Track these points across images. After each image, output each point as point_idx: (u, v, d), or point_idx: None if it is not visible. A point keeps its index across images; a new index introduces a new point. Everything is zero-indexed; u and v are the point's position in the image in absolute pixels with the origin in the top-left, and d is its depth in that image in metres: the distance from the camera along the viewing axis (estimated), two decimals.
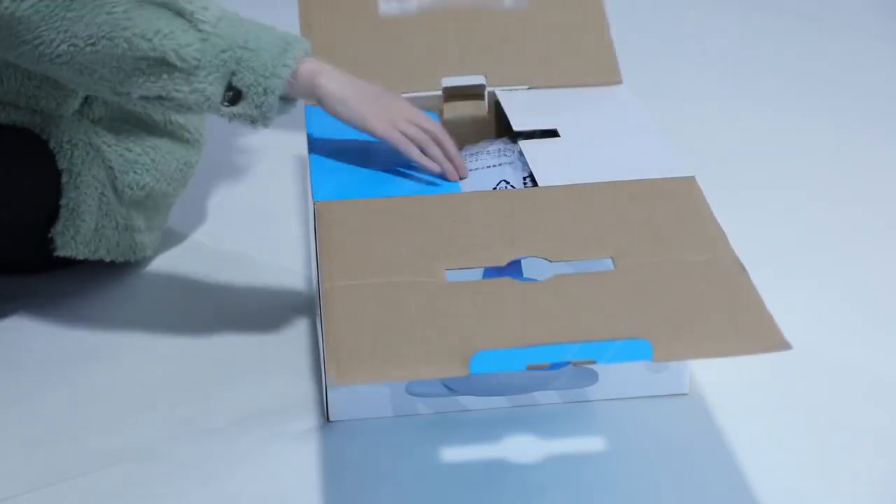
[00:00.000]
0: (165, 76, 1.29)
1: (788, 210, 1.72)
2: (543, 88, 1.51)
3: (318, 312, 1.30)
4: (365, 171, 1.36)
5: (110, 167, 1.50)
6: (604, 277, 1.17)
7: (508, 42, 1.54)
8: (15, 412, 1.35)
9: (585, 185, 1.29)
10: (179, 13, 1.28)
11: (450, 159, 1.35)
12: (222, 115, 1.32)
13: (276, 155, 1.88)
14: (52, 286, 1.56)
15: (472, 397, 1.32)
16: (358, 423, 1.31)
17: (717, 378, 1.36)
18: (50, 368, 1.42)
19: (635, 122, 1.44)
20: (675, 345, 1.09)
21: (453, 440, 1.28)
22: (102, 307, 1.53)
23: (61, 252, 1.49)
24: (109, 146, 1.50)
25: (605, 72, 1.52)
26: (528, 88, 1.50)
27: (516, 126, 1.42)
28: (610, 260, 1.18)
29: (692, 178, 1.29)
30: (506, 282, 1.17)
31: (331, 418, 1.31)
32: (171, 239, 1.67)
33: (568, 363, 1.09)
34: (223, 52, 1.28)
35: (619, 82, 1.51)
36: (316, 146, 1.39)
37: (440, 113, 1.50)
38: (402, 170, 1.36)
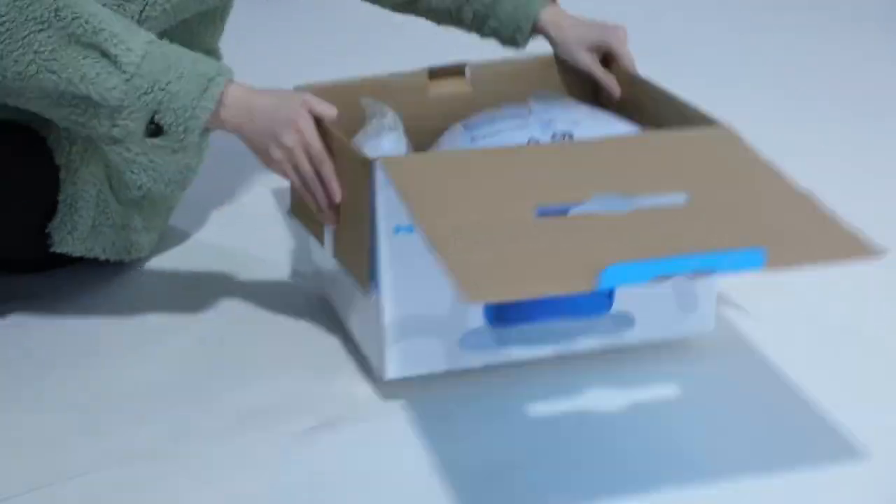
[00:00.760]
0: (91, 111, 1.32)
1: None
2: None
3: (375, 263, 1.30)
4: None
5: (108, 165, 1.50)
6: (692, 207, 1.21)
7: None
8: (15, 412, 1.35)
9: (633, 136, 1.35)
10: (104, 54, 1.30)
11: (323, 180, 1.34)
12: (144, 149, 1.36)
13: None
14: (52, 286, 1.56)
15: (520, 348, 1.34)
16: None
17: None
18: (50, 368, 1.42)
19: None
20: (785, 252, 1.14)
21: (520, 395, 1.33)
22: (102, 307, 1.53)
23: (58, 248, 1.49)
24: (108, 147, 1.50)
25: None
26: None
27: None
28: (685, 194, 1.22)
29: (735, 132, 1.33)
30: (602, 209, 1.20)
31: (387, 377, 1.32)
32: (172, 238, 1.68)
33: (693, 273, 1.14)
34: (146, 94, 1.31)
35: None
36: None
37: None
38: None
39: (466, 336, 1.33)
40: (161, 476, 1.24)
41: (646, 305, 1.35)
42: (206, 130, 1.34)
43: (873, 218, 1.51)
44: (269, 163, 1.34)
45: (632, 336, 1.37)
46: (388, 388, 1.35)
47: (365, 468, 1.25)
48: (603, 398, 1.33)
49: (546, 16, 1.58)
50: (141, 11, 1.42)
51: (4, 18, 1.28)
